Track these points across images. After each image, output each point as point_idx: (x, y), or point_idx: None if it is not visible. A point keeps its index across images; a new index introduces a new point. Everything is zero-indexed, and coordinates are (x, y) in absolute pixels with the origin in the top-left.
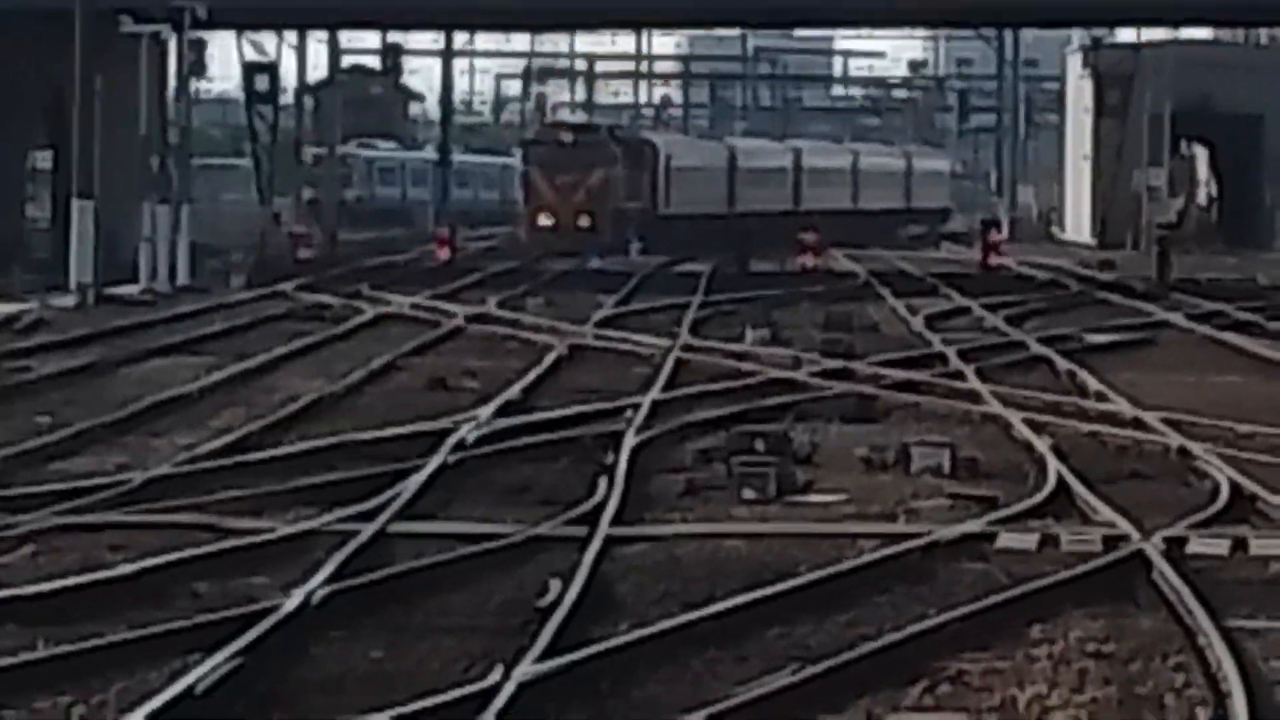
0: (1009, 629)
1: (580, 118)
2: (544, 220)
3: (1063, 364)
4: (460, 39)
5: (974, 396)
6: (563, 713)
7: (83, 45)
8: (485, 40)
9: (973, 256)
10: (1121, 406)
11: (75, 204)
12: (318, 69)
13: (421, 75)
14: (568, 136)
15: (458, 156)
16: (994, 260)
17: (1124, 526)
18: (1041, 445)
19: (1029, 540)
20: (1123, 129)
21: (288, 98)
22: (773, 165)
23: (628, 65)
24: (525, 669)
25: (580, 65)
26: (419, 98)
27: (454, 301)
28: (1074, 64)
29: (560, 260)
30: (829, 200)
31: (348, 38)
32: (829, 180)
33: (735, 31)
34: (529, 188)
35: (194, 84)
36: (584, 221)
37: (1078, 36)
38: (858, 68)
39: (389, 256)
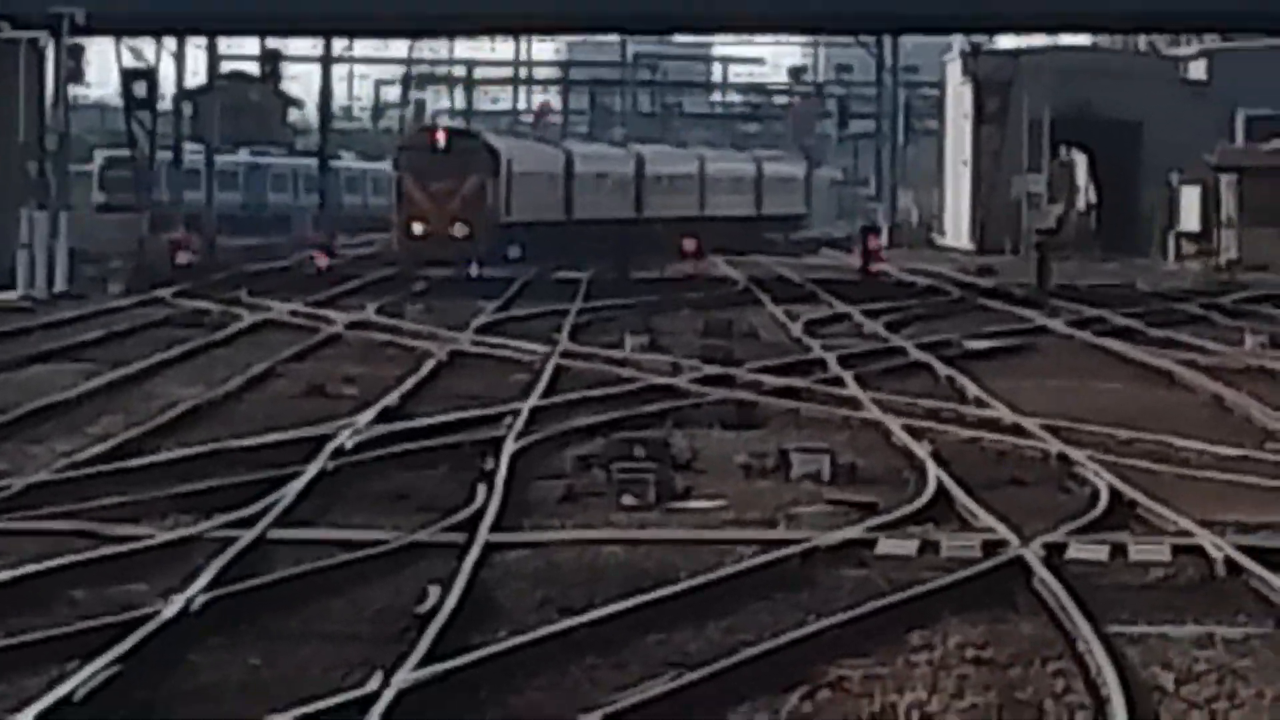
0: (889, 635)
1: (457, 124)
2: (418, 228)
3: (942, 370)
4: (339, 45)
5: (853, 403)
6: None
7: None
8: (364, 46)
9: (853, 263)
10: (1001, 412)
11: None
12: (197, 75)
13: (301, 81)
14: (441, 142)
15: (271, 159)
16: (874, 266)
17: (1003, 532)
18: (921, 451)
19: (909, 546)
20: (1002, 135)
21: (166, 104)
22: (612, 171)
23: (507, 71)
24: (404, 676)
25: (459, 71)
26: (298, 104)
27: (333, 308)
28: (953, 70)
29: (439, 267)
30: (672, 207)
31: (227, 44)
32: (673, 186)
33: (614, 38)
34: (402, 195)
35: (72, 90)
36: (460, 230)
37: (957, 43)
38: (737, 74)
39: (268, 263)
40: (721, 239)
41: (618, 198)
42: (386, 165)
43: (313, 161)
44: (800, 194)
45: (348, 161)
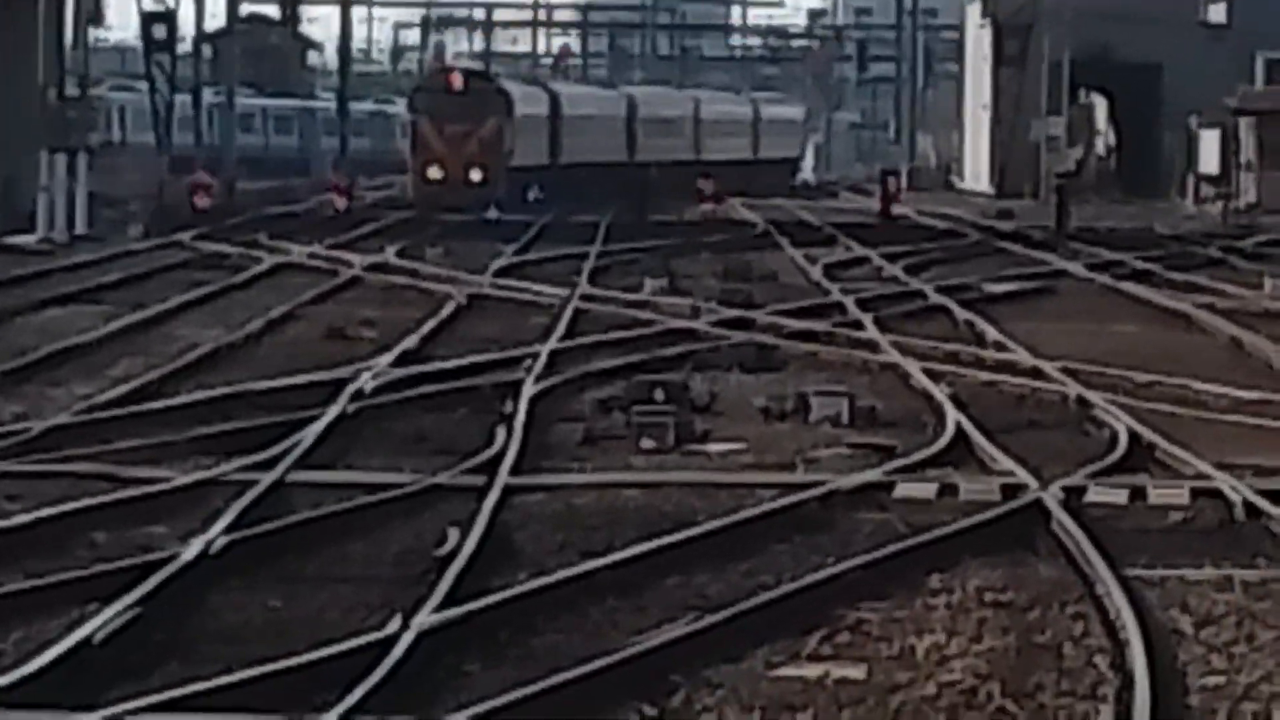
0: (907, 578)
1: (476, 66)
2: (433, 173)
3: (961, 313)
4: None
5: (872, 346)
6: (461, 662)
7: None
8: None
9: (872, 206)
10: (1020, 355)
11: None
12: (216, 17)
13: (320, 24)
14: (458, 83)
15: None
16: (893, 210)
17: (1022, 475)
18: (940, 394)
19: (927, 489)
20: (1021, 78)
21: (186, 46)
22: (603, 113)
23: (526, 14)
24: (424, 618)
25: (479, 14)
26: (317, 46)
27: (352, 251)
28: (973, 13)
29: (456, 213)
30: (667, 151)
31: None
32: (667, 130)
33: None
34: (417, 138)
35: (92, 33)
36: (476, 175)
37: None
38: (756, 17)
39: (287, 206)
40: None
41: (608, 141)
42: (369, 105)
43: (274, 102)
44: (798, 137)
45: (327, 103)
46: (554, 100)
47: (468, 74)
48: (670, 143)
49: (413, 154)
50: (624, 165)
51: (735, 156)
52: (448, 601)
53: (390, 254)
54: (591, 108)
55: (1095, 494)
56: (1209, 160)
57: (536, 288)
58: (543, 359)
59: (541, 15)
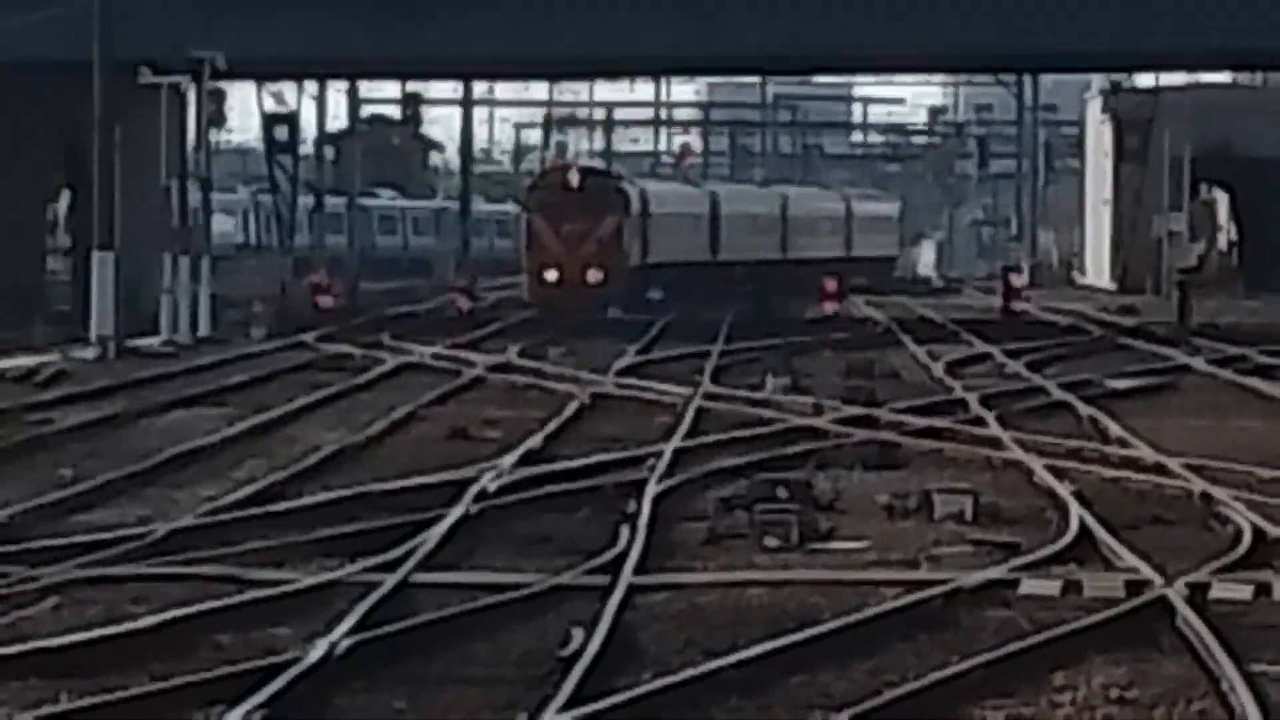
0: (1032, 675)
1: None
2: (549, 275)
3: (1084, 409)
4: (480, 88)
5: (996, 443)
6: None
7: (102, 96)
8: (505, 89)
9: (994, 302)
10: (1143, 452)
11: (95, 255)
12: (338, 119)
13: (441, 124)
14: (574, 181)
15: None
16: (1015, 306)
17: (1147, 572)
18: (1063, 491)
19: (1052, 586)
20: (1143, 173)
21: (308, 148)
22: (686, 212)
23: (647, 113)
24: (549, 719)
25: (599, 113)
26: (439, 147)
27: (475, 351)
28: (1093, 109)
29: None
30: (752, 250)
31: (367, 87)
32: (753, 227)
33: (755, 79)
34: (532, 238)
35: (214, 135)
36: (594, 276)
37: (1097, 81)
38: (877, 114)
39: (409, 306)
40: (804, 284)
41: (690, 240)
42: (435, 204)
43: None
44: (894, 234)
45: (385, 200)
46: (643, 199)
47: (584, 171)
48: (756, 240)
49: (528, 254)
50: (706, 265)
51: (826, 254)
52: (572, 702)
53: (513, 354)
54: (676, 205)
55: (1220, 590)
56: None
57: (660, 386)
58: (666, 458)
59: (663, 114)
